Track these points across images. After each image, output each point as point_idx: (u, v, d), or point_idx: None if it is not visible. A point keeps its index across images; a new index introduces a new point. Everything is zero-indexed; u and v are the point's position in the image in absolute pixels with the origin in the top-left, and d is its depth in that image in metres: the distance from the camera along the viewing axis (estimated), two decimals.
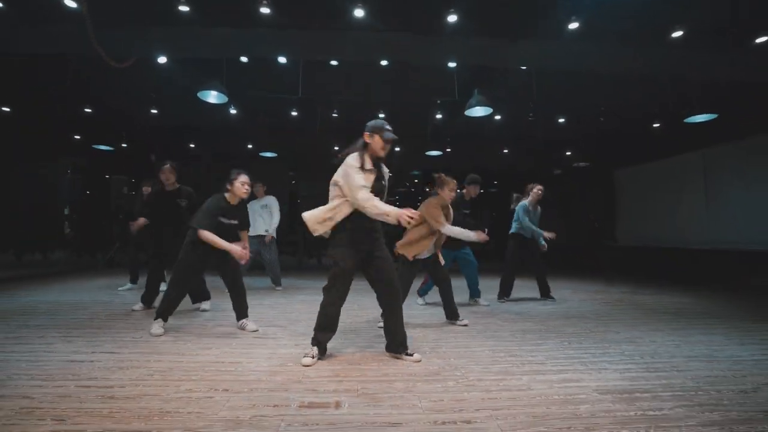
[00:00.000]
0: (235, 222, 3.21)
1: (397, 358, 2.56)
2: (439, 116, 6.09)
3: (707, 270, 6.80)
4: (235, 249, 3.00)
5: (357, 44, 3.97)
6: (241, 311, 3.32)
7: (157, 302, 3.70)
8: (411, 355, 2.53)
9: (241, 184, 3.11)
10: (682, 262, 7.45)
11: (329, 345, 2.61)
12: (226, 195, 3.14)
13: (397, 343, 2.56)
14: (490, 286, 5.34)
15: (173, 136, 8.17)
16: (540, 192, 4.63)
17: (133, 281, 5.29)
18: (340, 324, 3.61)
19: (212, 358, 2.54)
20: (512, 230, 4.68)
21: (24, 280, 6.09)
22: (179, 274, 3.10)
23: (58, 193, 7.72)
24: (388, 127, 2.47)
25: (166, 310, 3.14)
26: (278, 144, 8.05)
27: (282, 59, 4.77)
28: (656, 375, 2.28)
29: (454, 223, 3.60)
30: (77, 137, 7.50)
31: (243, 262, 3.12)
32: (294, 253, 9.51)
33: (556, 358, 2.58)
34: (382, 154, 2.46)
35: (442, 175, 3.45)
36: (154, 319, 3.13)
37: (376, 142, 2.44)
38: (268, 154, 7.80)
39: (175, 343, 2.86)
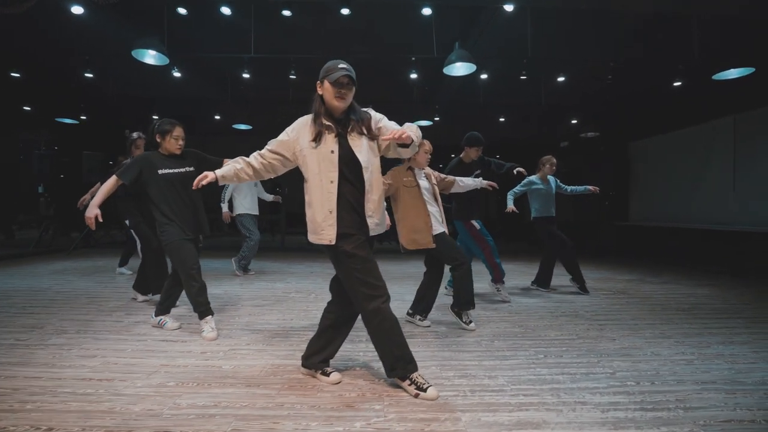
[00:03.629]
0: (190, 168, 2.67)
1: (312, 377, 1.99)
2: (414, 76, 5.25)
3: (732, 255, 5.96)
4: (90, 214, 2.46)
5: None
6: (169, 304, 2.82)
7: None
8: (328, 375, 1.95)
9: (175, 140, 2.65)
10: (703, 244, 6.60)
11: (234, 359, 2.02)
12: (159, 151, 2.69)
13: (319, 359, 1.97)
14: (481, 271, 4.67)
15: (141, 108, 7.54)
16: (549, 166, 4.15)
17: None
18: (265, 326, 3.02)
19: (84, 373, 2.02)
20: (532, 216, 4.20)
21: None
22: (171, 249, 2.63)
23: (33, 170, 7.30)
24: (342, 65, 1.77)
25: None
26: (253, 116, 7.36)
27: (225, 10, 4.04)
28: (653, 416, 1.64)
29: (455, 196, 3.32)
30: (27, 108, 6.94)
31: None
32: (275, 233, 8.98)
33: (521, 383, 1.95)
34: (336, 103, 1.78)
35: None
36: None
37: (326, 90, 1.79)
38: (243, 127, 7.13)
39: (60, 349, 2.36)
